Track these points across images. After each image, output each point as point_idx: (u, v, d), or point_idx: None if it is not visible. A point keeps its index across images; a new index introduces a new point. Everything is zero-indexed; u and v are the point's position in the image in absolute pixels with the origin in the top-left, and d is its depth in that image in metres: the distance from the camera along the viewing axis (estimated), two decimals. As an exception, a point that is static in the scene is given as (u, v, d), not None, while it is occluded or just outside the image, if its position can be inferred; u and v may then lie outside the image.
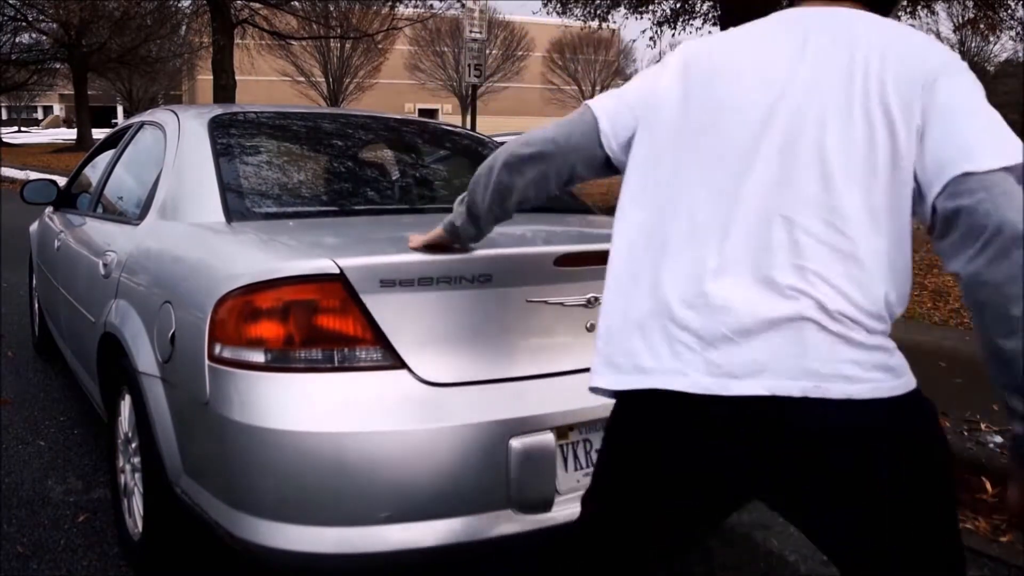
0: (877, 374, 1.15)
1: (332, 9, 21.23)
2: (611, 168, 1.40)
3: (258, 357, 1.70)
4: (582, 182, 1.49)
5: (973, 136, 1.13)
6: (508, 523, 1.76)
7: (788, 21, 1.30)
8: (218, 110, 2.74)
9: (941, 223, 1.12)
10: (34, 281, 4.34)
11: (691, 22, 14.09)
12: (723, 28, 10.48)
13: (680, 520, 1.26)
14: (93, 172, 3.53)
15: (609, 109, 1.37)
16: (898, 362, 1.18)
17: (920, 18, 12.57)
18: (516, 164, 1.47)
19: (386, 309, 1.73)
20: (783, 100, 1.20)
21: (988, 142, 1.12)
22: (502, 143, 3.68)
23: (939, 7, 12.59)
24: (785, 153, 1.18)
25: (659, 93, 1.32)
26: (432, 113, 42.81)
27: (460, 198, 1.66)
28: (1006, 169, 1.08)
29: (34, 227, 4.33)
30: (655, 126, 1.31)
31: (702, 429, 1.18)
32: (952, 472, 1.26)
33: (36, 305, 4.29)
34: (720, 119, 1.24)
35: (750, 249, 1.17)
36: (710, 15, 13.67)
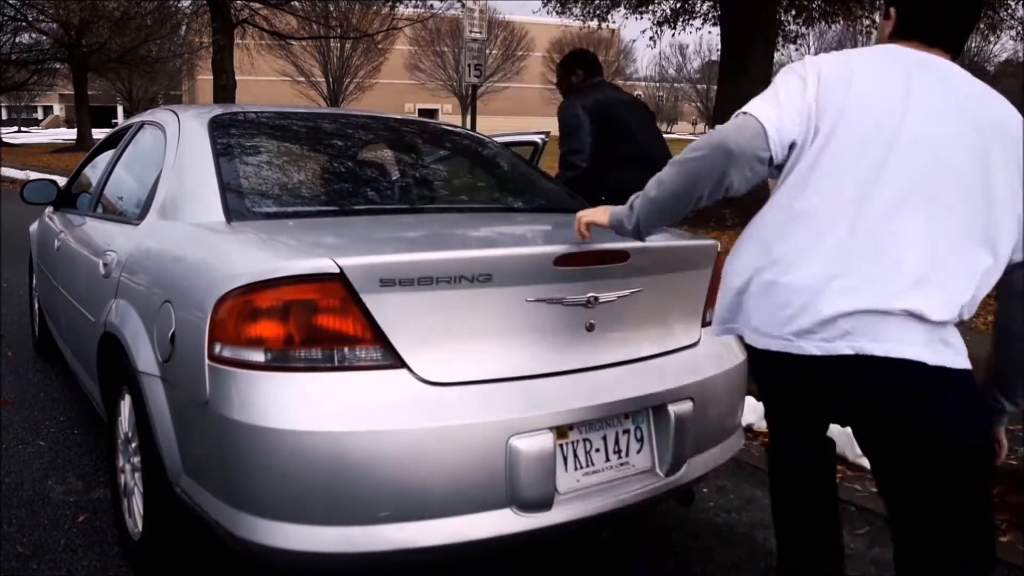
0: (939, 346, 1.46)
1: (332, 9, 21.23)
2: (772, 168, 1.59)
3: (258, 357, 1.70)
4: (750, 186, 1.61)
5: None
6: (508, 523, 1.76)
7: (891, 57, 1.59)
8: (218, 110, 2.74)
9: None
10: (34, 281, 4.34)
11: (691, 22, 14.08)
12: (723, 28, 10.50)
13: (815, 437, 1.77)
14: (93, 172, 3.53)
15: (772, 118, 1.54)
16: (956, 341, 1.49)
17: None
18: (694, 168, 1.60)
19: (386, 309, 1.73)
20: (902, 130, 1.48)
21: None
22: (503, 143, 3.69)
23: (939, 7, 12.55)
24: (903, 178, 1.47)
25: (807, 107, 1.55)
26: (432, 113, 42.80)
27: (631, 200, 1.76)
28: None
29: (34, 227, 4.33)
30: (803, 136, 1.55)
31: (806, 381, 1.56)
32: (988, 439, 1.58)
33: (36, 305, 4.29)
34: (848, 138, 1.51)
35: (864, 249, 1.47)
36: (710, 15, 13.66)
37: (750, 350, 1.65)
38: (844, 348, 1.46)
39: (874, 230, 1.47)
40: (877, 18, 12.38)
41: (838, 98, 1.53)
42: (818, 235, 1.50)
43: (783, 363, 1.55)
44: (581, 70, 3.92)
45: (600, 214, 1.88)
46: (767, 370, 1.67)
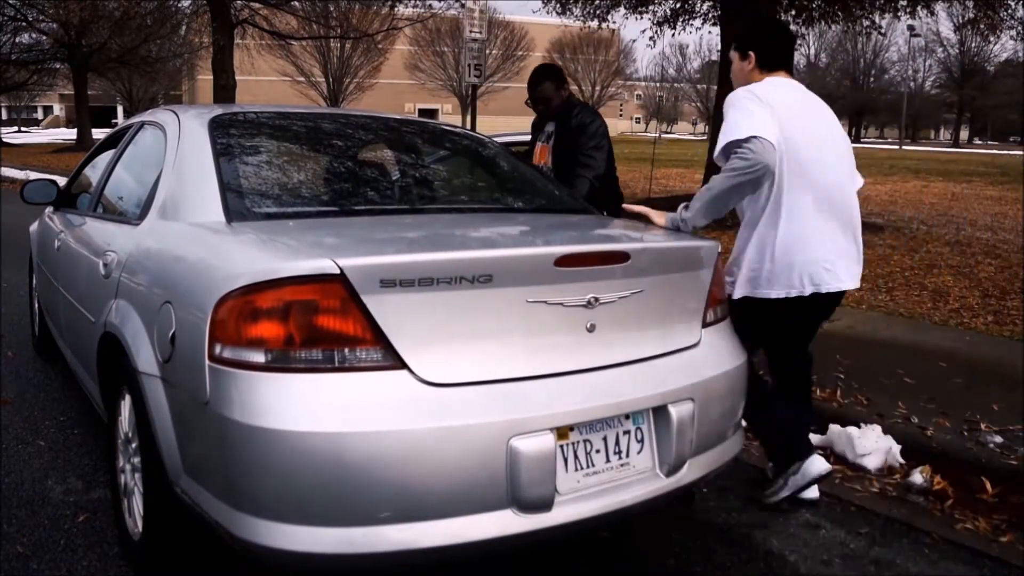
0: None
1: (332, 9, 21.22)
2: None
3: (258, 357, 1.70)
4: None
5: None
6: (508, 523, 1.76)
7: (788, 85, 2.63)
8: (218, 110, 2.74)
9: None
10: (34, 281, 4.34)
11: (691, 22, 14.06)
12: (723, 28, 10.49)
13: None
14: (93, 172, 3.52)
15: (773, 134, 2.41)
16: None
17: (920, 18, 12.56)
18: (743, 179, 2.44)
19: (386, 309, 1.73)
20: (826, 136, 2.60)
21: None
22: (503, 143, 3.72)
23: (939, 7, 12.57)
24: (841, 163, 2.62)
25: (776, 126, 2.42)
26: (432, 113, 42.83)
27: (683, 207, 2.55)
28: None
29: (34, 227, 4.33)
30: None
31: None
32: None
33: (36, 305, 4.29)
34: (805, 144, 2.51)
35: (836, 216, 2.58)
36: (710, 15, 13.65)
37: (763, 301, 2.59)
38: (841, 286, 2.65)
39: (837, 208, 2.59)
40: (876, 18, 12.39)
41: (786, 115, 2.44)
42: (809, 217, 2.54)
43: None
44: (566, 85, 3.96)
45: (657, 217, 2.61)
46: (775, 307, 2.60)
